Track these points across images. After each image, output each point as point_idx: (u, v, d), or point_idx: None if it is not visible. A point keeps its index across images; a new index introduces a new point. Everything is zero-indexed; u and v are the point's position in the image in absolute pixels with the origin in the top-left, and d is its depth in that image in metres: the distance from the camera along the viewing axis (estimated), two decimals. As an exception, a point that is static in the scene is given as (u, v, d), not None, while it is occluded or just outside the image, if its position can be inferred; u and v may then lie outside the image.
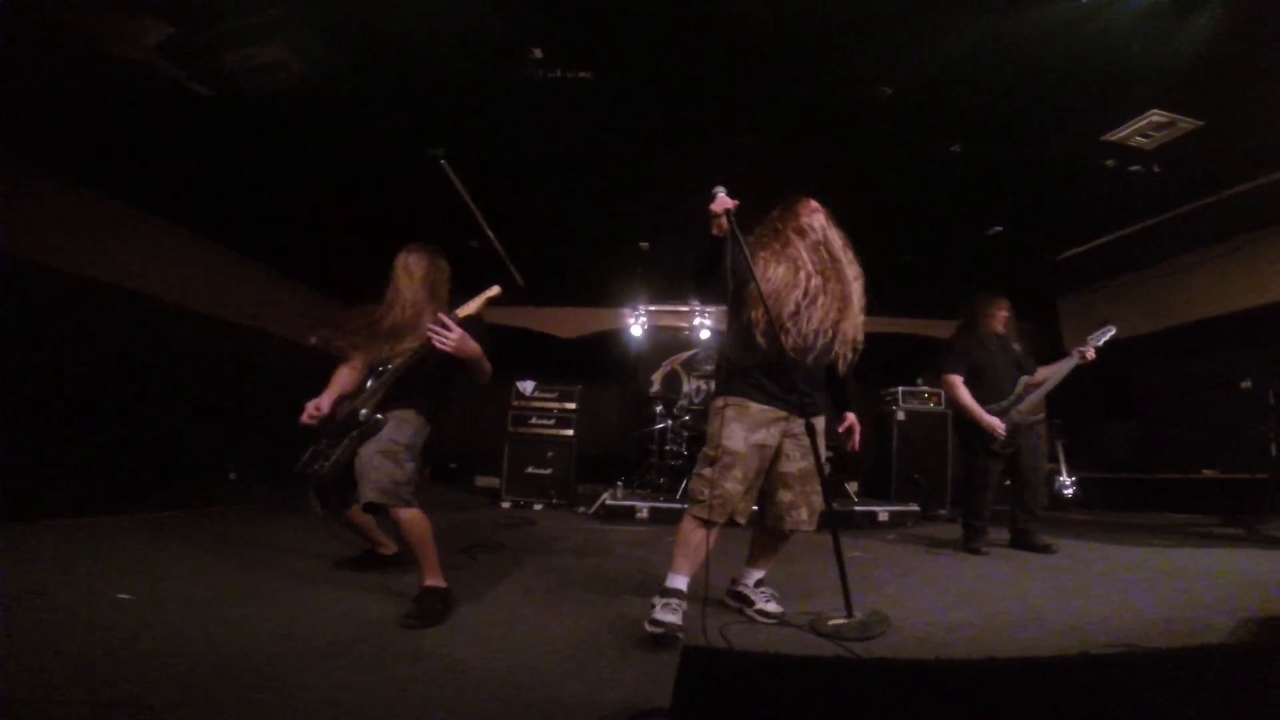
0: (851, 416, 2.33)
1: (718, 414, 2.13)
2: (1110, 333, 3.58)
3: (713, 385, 5.38)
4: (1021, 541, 3.65)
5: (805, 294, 2.11)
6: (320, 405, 2.34)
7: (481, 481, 7.08)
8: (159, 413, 4.97)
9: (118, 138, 3.84)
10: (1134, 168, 4.00)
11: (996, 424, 3.56)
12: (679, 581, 2.02)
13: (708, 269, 2.04)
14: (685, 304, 7.45)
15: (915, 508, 5.27)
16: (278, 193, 4.76)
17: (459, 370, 2.30)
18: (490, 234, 5.41)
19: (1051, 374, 3.65)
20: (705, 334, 7.34)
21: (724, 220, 1.96)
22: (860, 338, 2.25)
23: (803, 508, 2.15)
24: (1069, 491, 6.01)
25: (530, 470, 5.69)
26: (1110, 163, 3.97)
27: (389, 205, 4.96)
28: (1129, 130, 3.62)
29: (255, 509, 4.31)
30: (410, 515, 2.14)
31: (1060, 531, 4.14)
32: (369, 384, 2.30)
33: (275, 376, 6.11)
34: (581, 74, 3.21)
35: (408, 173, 4.41)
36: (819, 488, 2.14)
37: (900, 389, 6.19)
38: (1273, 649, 1.06)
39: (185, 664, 1.48)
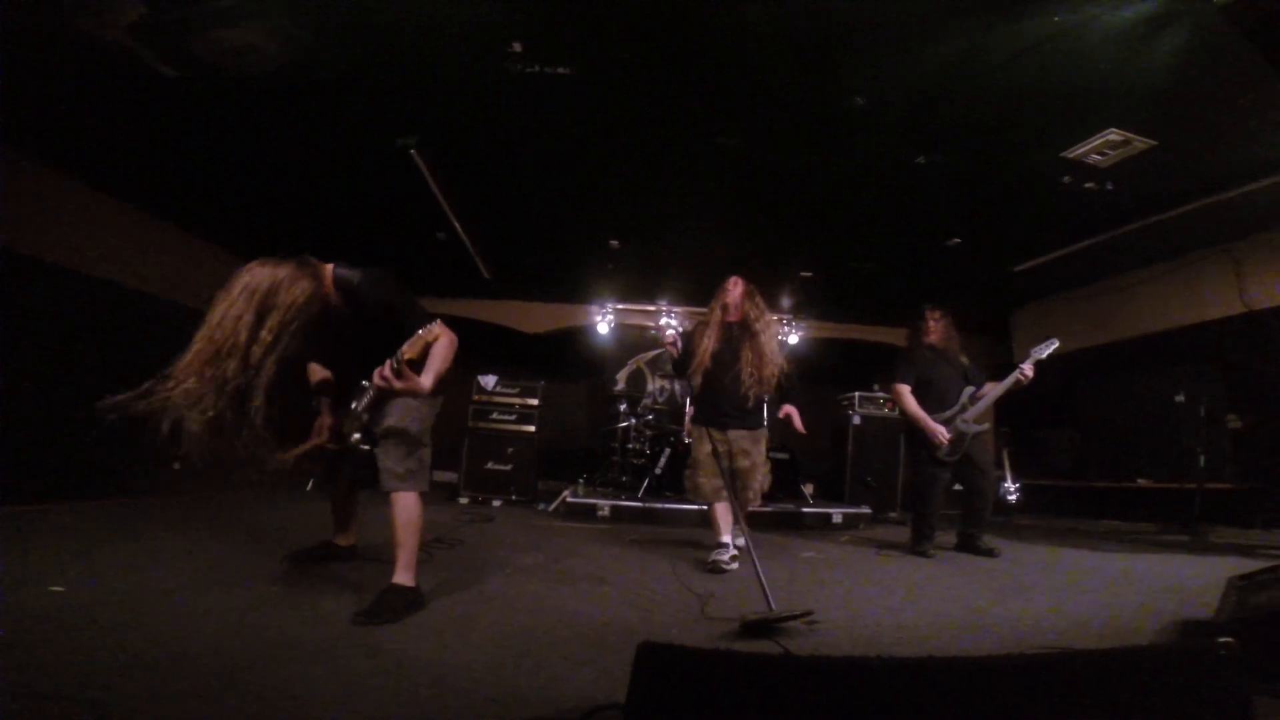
0: (788, 406, 3.66)
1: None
2: (1053, 345, 3.74)
3: (676, 385, 6.29)
4: (967, 545, 3.80)
5: (726, 352, 3.27)
6: (326, 424, 2.32)
7: (438, 476, 6.97)
8: (99, 398, 4.74)
9: (84, 119, 3.69)
10: (1088, 184, 4.15)
11: (940, 430, 3.69)
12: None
13: (677, 370, 3.50)
14: (652, 303, 7.48)
15: (867, 510, 5.43)
16: (247, 179, 4.61)
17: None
18: (458, 226, 5.33)
19: (993, 389, 3.81)
20: (670, 333, 7.37)
21: (671, 349, 3.40)
22: (778, 371, 3.28)
23: (748, 490, 3.28)
24: (1013, 497, 6.26)
25: (490, 466, 5.64)
26: (1067, 179, 4.10)
27: (357, 194, 4.85)
28: (1087, 148, 3.74)
29: (197, 498, 4.15)
30: (409, 499, 2.17)
31: (1004, 536, 4.32)
32: (353, 405, 2.23)
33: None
34: (560, 70, 3.19)
35: (377, 162, 4.32)
36: (760, 477, 3.31)
37: (857, 394, 6.36)
38: (1190, 650, 1.14)
39: (128, 657, 1.43)
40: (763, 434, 3.33)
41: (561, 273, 6.85)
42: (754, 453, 3.26)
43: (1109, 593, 2.78)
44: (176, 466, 5.42)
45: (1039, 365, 3.71)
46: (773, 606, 2.11)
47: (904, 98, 3.38)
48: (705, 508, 3.36)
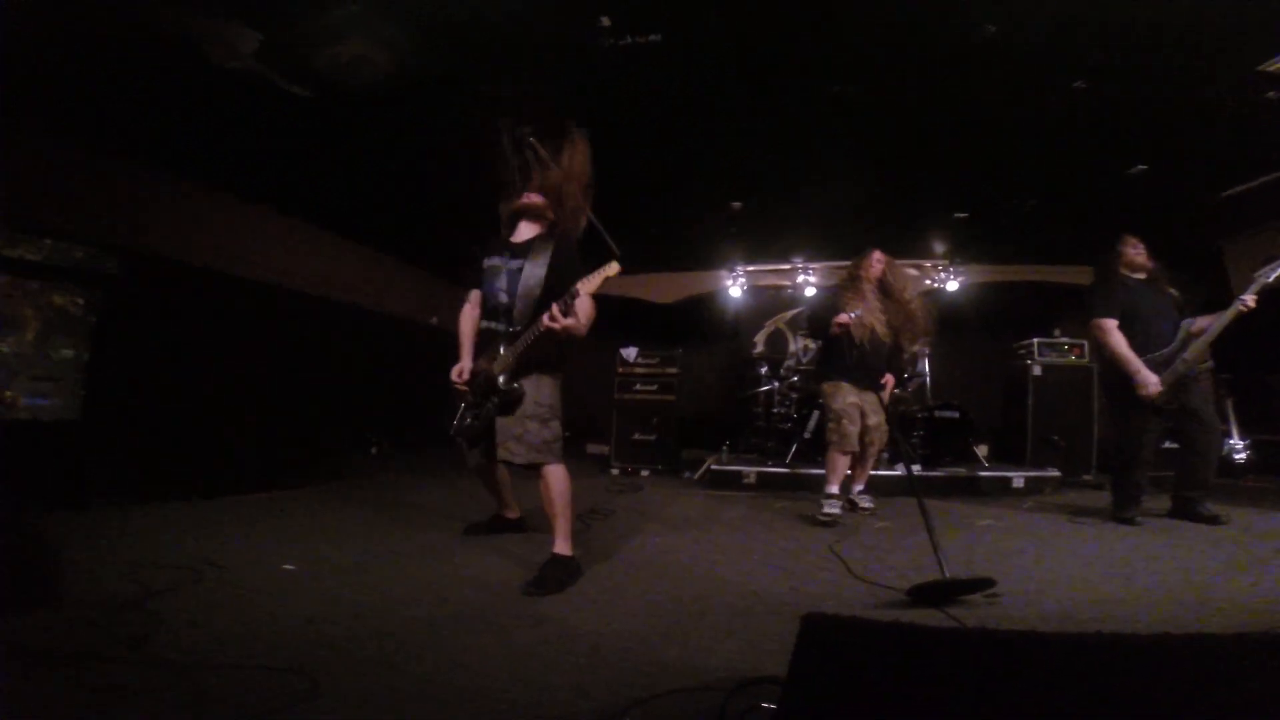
0: (888, 376, 3.74)
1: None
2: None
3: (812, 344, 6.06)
4: (1184, 511, 3.22)
5: (871, 318, 3.50)
6: (462, 369, 2.50)
7: (592, 449, 7.33)
8: (308, 398, 5.57)
9: (242, 140, 4.22)
10: None
11: (1150, 379, 3.13)
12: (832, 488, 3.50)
13: (815, 329, 3.97)
14: (786, 262, 7.16)
15: (1055, 473, 4.81)
16: (387, 182, 5.08)
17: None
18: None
19: (1212, 323, 3.14)
20: (810, 290, 7.05)
21: (836, 330, 3.49)
22: (920, 338, 3.76)
23: (874, 444, 3.64)
24: (1241, 456, 5.19)
25: (637, 436, 5.80)
26: (1272, 94, 3.33)
27: (484, 185, 5.13)
28: None
29: (394, 480, 4.73)
30: (559, 472, 2.30)
31: (1231, 500, 3.61)
32: (501, 349, 2.37)
33: (403, 355, 6.64)
34: (652, 38, 3.12)
35: (498, 151, 4.53)
36: (885, 428, 3.60)
37: (1036, 340, 5.60)
38: None
39: (337, 628, 1.66)
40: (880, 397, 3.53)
41: (687, 240, 6.77)
42: (880, 412, 3.53)
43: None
44: (373, 451, 6.26)
45: (1265, 293, 3.01)
46: (947, 574, 1.95)
47: (1043, 20, 2.90)
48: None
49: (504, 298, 2.42)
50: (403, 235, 6.41)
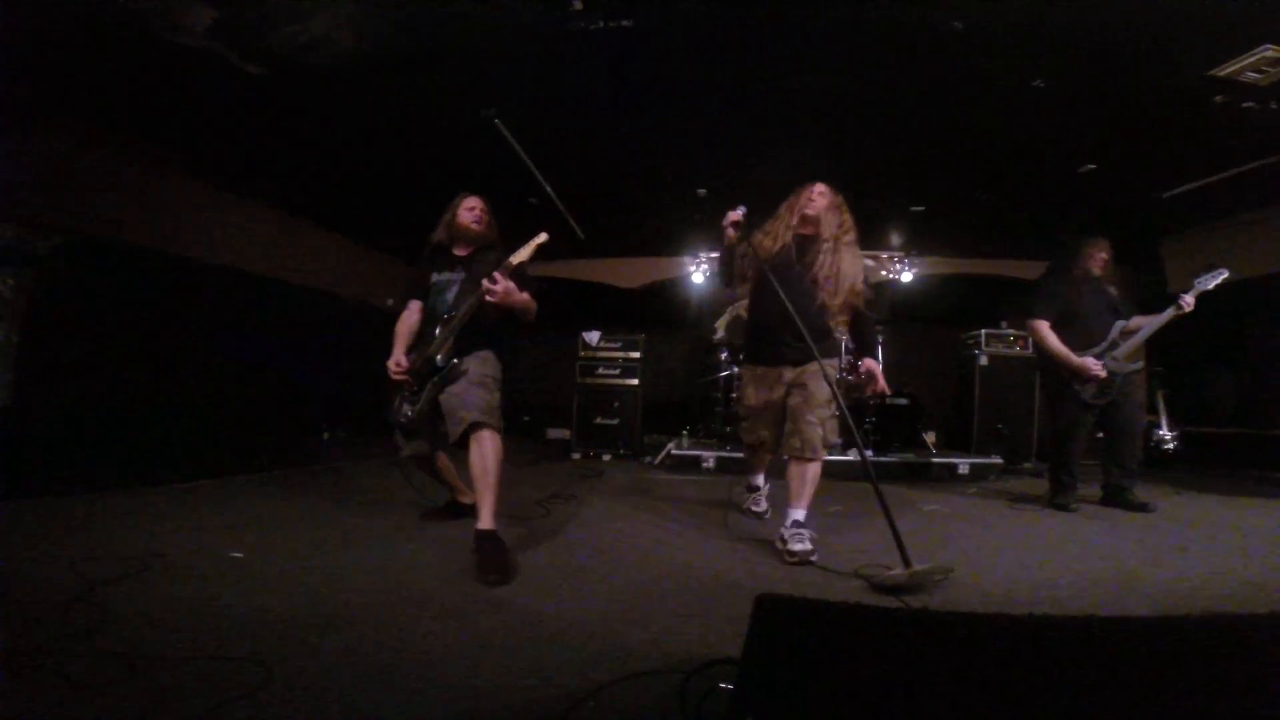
0: (868, 362, 2.67)
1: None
2: (1221, 276, 3.22)
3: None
4: (1115, 498, 3.44)
5: (794, 266, 2.59)
6: (400, 361, 2.52)
7: (553, 434, 7.31)
8: (257, 381, 5.38)
9: (196, 120, 4.02)
10: (1248, 104, 3.53)
11: (1090, 363, 3.31)
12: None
13: (721, 268, 2.82)
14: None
15: (998, 460, 5.04)
16: (344, 163, 4.91)
17: (513, 316, 2.46)
18: (548, 189, 5.39)
19: (1148, 322, 3.34)
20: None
21: (730, 231, 2.57)
22: (858, 299, 2.64)
23: (795, 436, 2.51)
24: (1169, 446, 5.55)
25: (599, 421, 5.81)
26: (1220, 99, 3.52)
27: (448, 168, 5.01)
28: (1239, 65, 3.19)
29: (346, 466, 4.62)
30: (497, 440, 2.30)
31: (1159, 489, 3.86)
32: (437, 331, 2.44)
33: (356, 339, 6.45)
34: (623, 23, 3.09)
35: (463, 134, 4.42)
36: (812, 420, 2.48)
37: (983, 332, 5.84)
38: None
39: (290, 616, 1.62)
40: (827, 367, 2.45)
41: (653, 226, 6.77)
42: (809, 388, 2.52)
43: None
44: (325, 437, 6.10)
45: (1201, 297, 3.21)
46: (911, 564, 2.00)
47: (1009, 19, 2.99)
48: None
49: (453, 301, 2.48)
50: (357, 216, 6.21)
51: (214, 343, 5.00)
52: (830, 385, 2.40)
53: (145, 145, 4.31)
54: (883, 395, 2.76)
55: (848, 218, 2.68)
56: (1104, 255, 3.55)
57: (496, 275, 2.26)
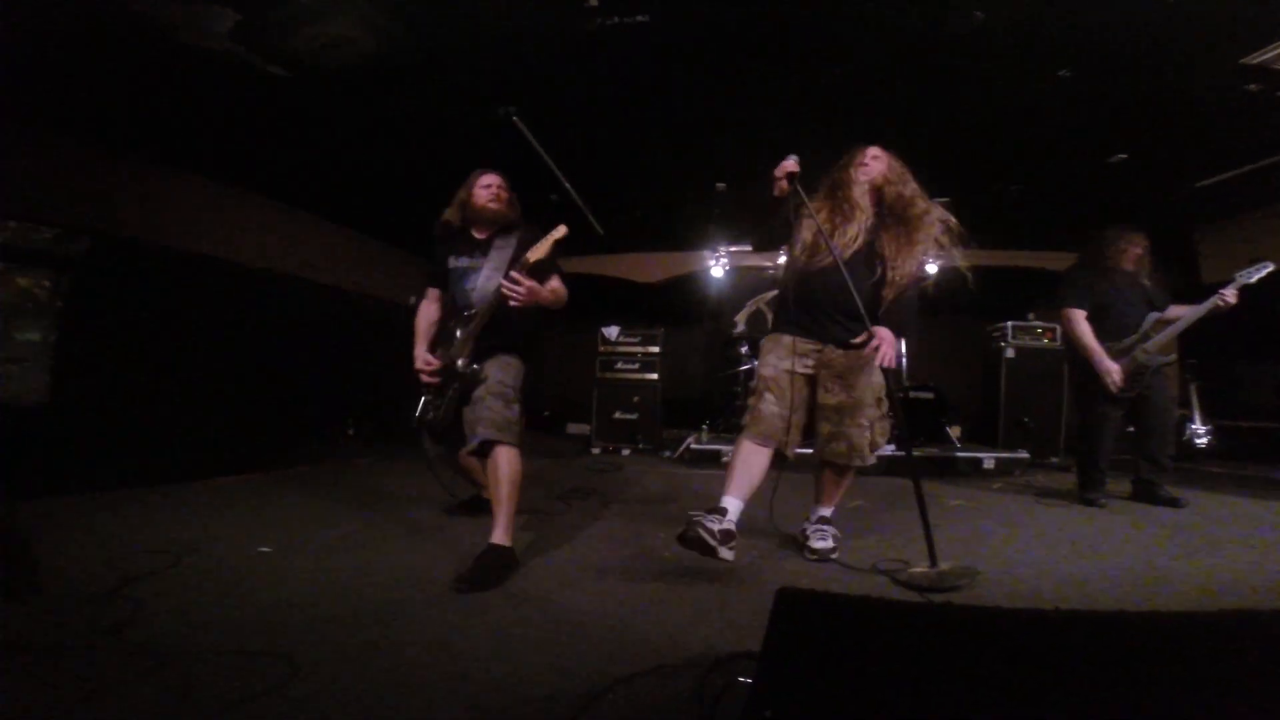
0: (881, 331, 2.14)
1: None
2: (1266, 269, 3.09)
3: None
4: (1145, 494, 3.35)
5: (846, 235, 2.25)
6: (429, 359, 2.44)
7: (573, 428, 7.34)
8: (283, 379, 5.49)
9: (214, 122, 4.09)
10: None
11: (1112, 368, 3.23)
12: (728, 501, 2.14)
13: (764, 227, 2.40)
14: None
15: (1024, 455, 4.94)
16: (367, 164, 4.97)
17: (540, 311, 2.35)
18: (568, 186, 5.40)
19: (1185, 314, 3.24)
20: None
21: (784, 183, 2.18)
22: (915, 272, 2.30)
23: (840, 441, 2.22)
24: (1202, 441, 5.37)
25: (618, 415, 5.83)
26: (1254, 87, 3.41)
27: (470, 165, 5.04)
28: (1275, 53, 3.09)
29: (371, 461, 4.71)
30: (513, 455, 2.18)
31: (1190, 484, 3.76)
32: (458, 334, 2.37)
33: (379, 336, 6.55)
34: (639, 18, 3.07)
35: (483, 132, 4.45)
36: (862, 423, 2.19)
37: (1010, 324, 5.71)
38: None
39: (316, 611, 1.66)
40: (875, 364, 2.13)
41: (672, 221, 6.76)
42: (858, 386, 2.17)
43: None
44: (350, 433, 6.20)
45: (1244, 291, 3.10)
46: (938, 562, 1.97)
47: (1032, 8, 2.92)
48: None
49: (474, 296, 2.39)
50: (379, 215, 6.29)
51: (241, 341, 5.11)
52: (884, 377, 2.15)
53: (170, 149, 4.42)
54: (897, 376, 2.54)
55: (911, 186, 2.32)
56: (1138, 250, 3.43)
57: (516, 275, 2.14)
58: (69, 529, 2.35)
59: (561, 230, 2.24)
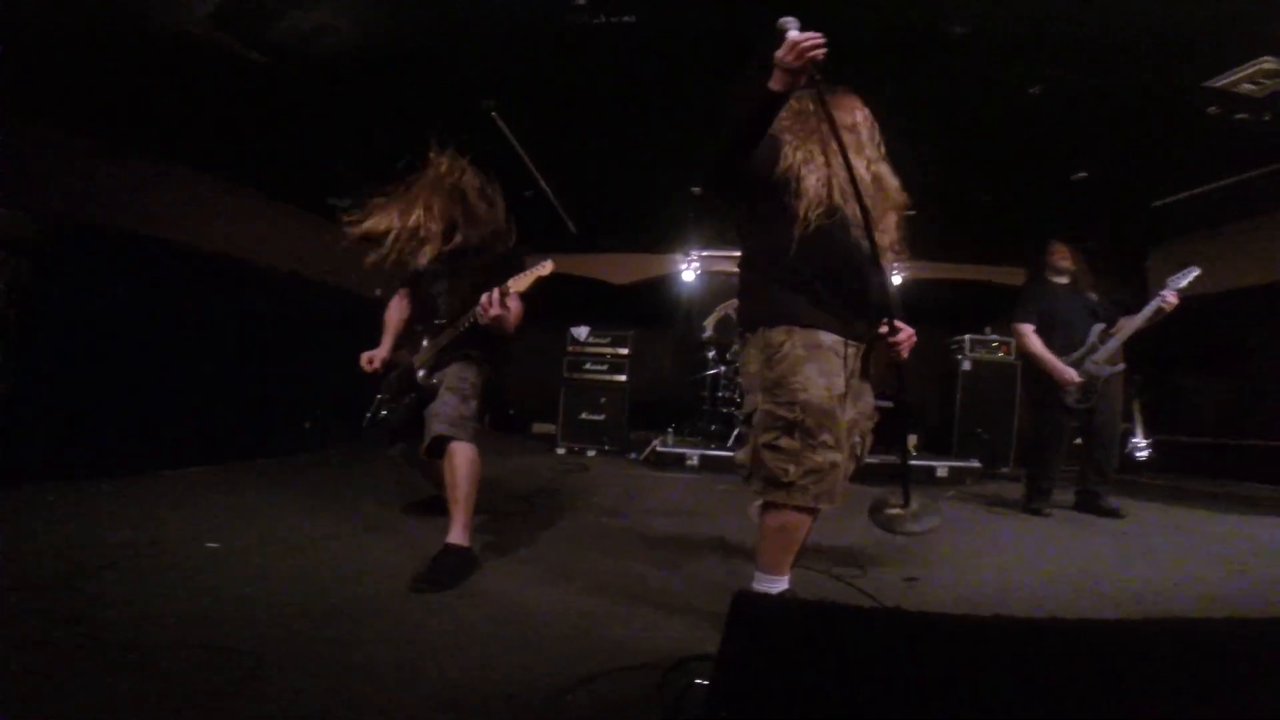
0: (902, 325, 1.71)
1: (778, 350, 1.60)
2: (1193, 274, 3.27)
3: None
4: (1088, 504, 3.52)
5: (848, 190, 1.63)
6: (374, 357, 2.45)
7: (539, 428, 7.31)
8: (241, 370, 5.32)
9: (189, 107, 3.96)
10: (1241, 115, 3.60)
11: (1070, 373, 3.38)
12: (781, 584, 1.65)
13: (744, 140, 1.56)
14: (738, 250, 7.28)
15: (976, 464, 5.13)
16: (342, 154, 4.87)
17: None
18: (543, 184, 5.38)
19: (1130, 323, 3.42)
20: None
21: (798, 74, 1.45)
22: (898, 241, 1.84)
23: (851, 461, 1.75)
24: (1143, 454, 5.66)
25: (584, 416, 5.83)
26: (1214, 109, 3.58)
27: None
28: (1236, 77, 3.25)
29: (330, 456, 4.61)
30: (469, 452, 2.11)
31: (1131, 496, 3.96)
32: (424, 342, 2.36)
33: (344, 329, 6.39)
34: (625, 18, 3.09)
35: (461, 126, 4.40)
36: (860, 439, 1.81)
37: (967, 337, 5.92)
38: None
39: (277, 607, 1.63)
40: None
41: (646, 223, 6.78)
42: (865, 393, 1.80)
43: (1250, 564, 2.50)
44: (307, 426, 6.04)
45: (1189, 306, 3.29)
46: (910, 504, 1.90)
47: (1010, 23, 3.02)
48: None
49: (441, 301, 2.36)
50: (351, 206, 6.17)
51: (196, 328, 4.93)
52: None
53: (129, 130, 4.25)
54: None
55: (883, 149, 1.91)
56: (1065, 261, 3.66)
57: (493, 300, 2.07)
58: (19, 520, 2.26)
59: (548, 268, 2.16)
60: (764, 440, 1.58)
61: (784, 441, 1.55)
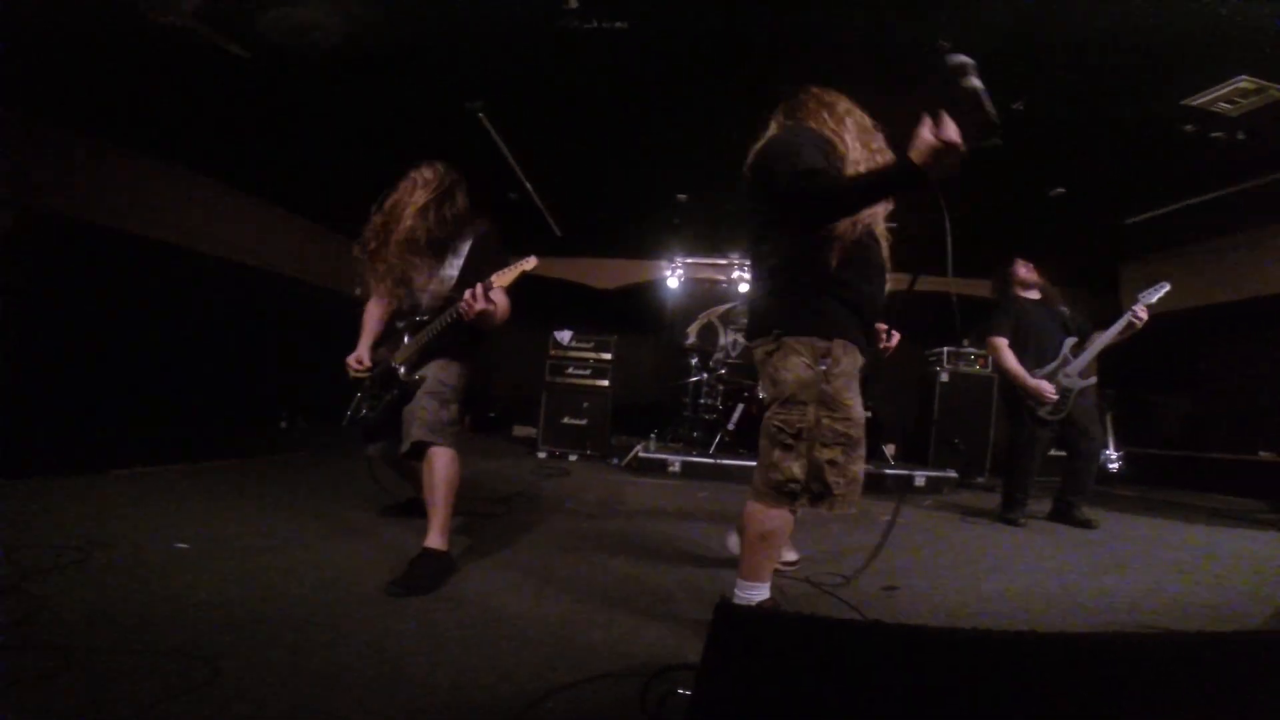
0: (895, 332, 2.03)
1: (836, 364, 1.64)
2: (1163, 289, 3.35)
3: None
4: (1062, 515, 3.58)
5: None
6: (361, 358, 2.43)
7: (519, 431, 7.26)
8: (213, 366, 5.21)
9: (164, 100, 3.89)
10: (1216, 134, 3.72)
11: (1043, 386, 3.44)
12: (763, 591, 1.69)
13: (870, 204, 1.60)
14: (723, 256, 7.31)
15: (953, 474, 5.19)
16: (322, 150, 4.81)
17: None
18: (528, 186, 5.36)
19: (1102, 337, 3.50)
20: (744, 287, 7.24)
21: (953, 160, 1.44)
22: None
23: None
24: (1114, 466, 5.81)
25: (566, 420, 5.79)
26: (1190, 128, 3.70)
27: (426, 157, 4.96)
28: (1212, 96, 3.36)
29: (305, 456, 4.52)
30: (448, 456, 2.11)
31: (1103, 507, 4.05)
32: (405, 339, 2.32)
33: (321, 327, 6.30)
34: (617, 24, 3.10)
35: (447, 127, 4.38)
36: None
37: (945, 349, 6.01)
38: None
39: (240, 611, 1.58)
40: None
41: (631, 228, 6.80)
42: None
43: (1216, 574, 2.57)
44: (283, 425, 5.93)
45: (1159, 322, 3.39)
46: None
47: (994, 40, 3.11)
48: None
49: (421, 296, 2.32)
50: (328, 201, 6.08)
51: (166, 321, 4.83)
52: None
53: (106, 125, 4.16)
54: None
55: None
56: (1023, 268, 3.79)
57: (477, 295, 2.04)
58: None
59: (532, 262, 2.16)
60: (827, 456, 1.61)
61: (842, 456, 1.62)
